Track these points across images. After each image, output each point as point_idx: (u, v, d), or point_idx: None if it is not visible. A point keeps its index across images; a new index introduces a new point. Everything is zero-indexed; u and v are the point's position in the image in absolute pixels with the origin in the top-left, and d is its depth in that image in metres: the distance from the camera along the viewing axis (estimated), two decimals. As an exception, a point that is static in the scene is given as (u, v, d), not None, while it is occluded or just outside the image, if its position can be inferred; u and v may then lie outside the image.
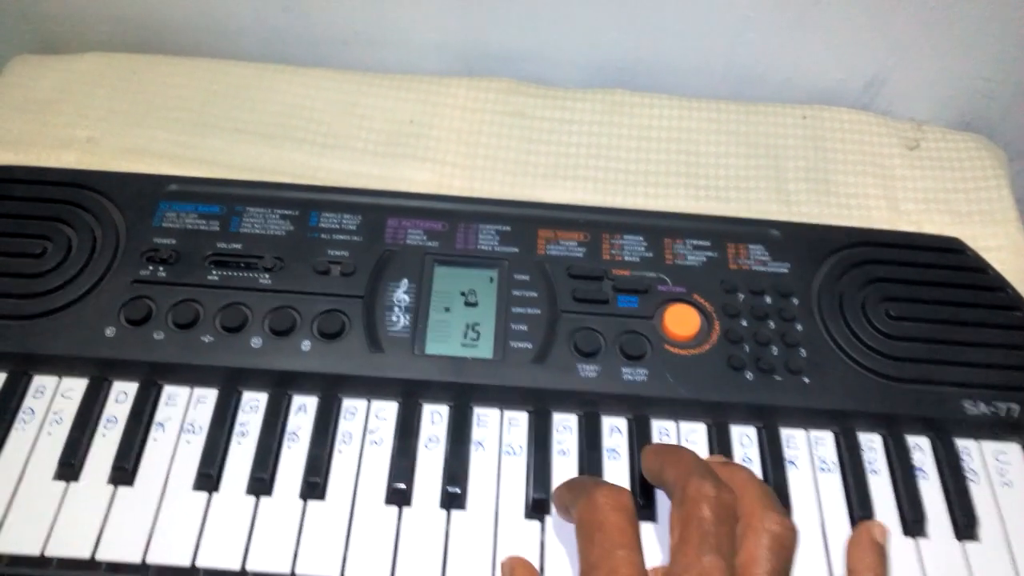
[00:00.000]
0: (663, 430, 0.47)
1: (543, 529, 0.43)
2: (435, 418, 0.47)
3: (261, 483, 0.44)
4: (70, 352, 0.46)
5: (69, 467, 0.43)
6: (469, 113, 0.64)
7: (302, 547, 0.42)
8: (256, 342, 0.47)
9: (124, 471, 0.44)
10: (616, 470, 0.45)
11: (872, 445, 0.47)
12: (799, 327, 0.49)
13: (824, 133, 0.64)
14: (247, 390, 0.47)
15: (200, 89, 0.64)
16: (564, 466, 0.45)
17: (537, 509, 0.44)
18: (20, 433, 0.45)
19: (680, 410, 0.47)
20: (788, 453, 0.47)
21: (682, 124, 0.64)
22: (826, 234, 0.54)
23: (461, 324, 0.48)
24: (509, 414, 0.47)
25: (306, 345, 0.47)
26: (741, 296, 0.50)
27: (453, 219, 0.52)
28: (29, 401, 0.46)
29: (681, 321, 0.48)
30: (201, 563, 0.41)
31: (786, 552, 0.36)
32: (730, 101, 0.66)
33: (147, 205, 0.52)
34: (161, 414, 0.46)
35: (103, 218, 0.51)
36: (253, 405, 0.47)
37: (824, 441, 0.47)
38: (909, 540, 0.44)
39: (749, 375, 0.47)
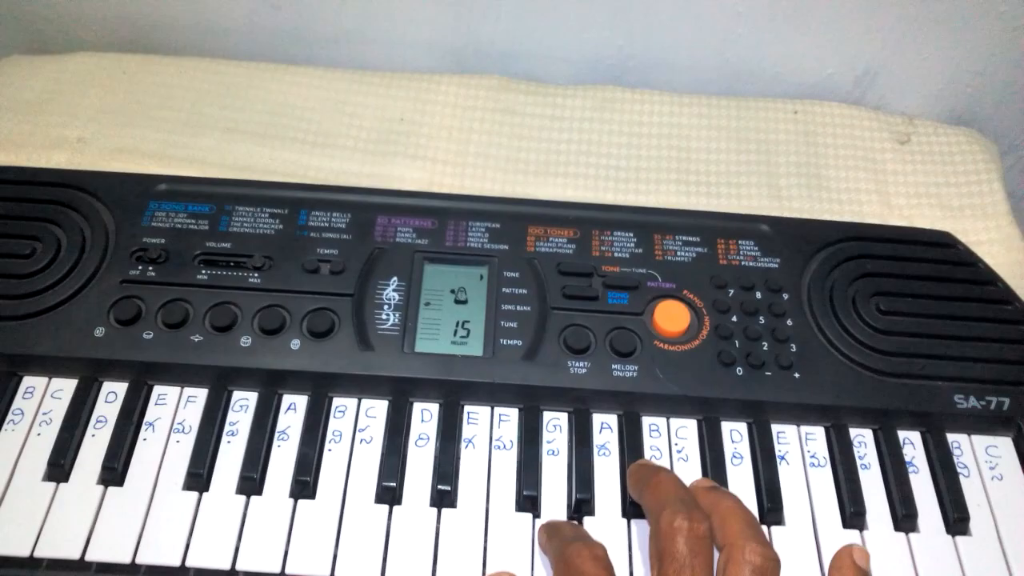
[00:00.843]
0: (653, 426, 0.47)
1: (533, 525, 0.43)
2: (425, 416, 0.47)
3: (251, 482, 0.44)
4: (59, 352, 0.46)
5: (59, 468, 0.43)
6: (459, 111, 0.64)
7: (292, 546, 0.42)
8: (246, 341, 0.47)
9: (114, 471, 0.43)
10: (606, 467, 0.45)
11: (863, 440, 0.47)
12: (789, 322, 0.49)
13: (815, 128, 0.64)
14: (237, 389, 0.47)
15: (190, 88, 0.64)
16: (554, 464, 0.45)
17: (527, 506, 0.44)
18: (9, 434, 0.45)
19: (670, 406, 0.47)
20: (779, 448, 0.47)
21: (673, 120, 0.64)
22: (816, 229, 0.54)
23: (451, 322, 0.48)
24: (499, 411, 0.47)
25: (296, 344, 0.47)
26: (731, 291, 0.50)
27: (443, 217, 0.52)
28: (18, 402, 0.46)
29: (671, 317, 0.48)
30: (191, 563, 0.41)
31: None
32: (721, 96, 0.66)
33: (136, 205, 0.52)
34: (151, 414, 0.46)
35: (92, 218, 0.51)
36: (243, 404, 0.46)
37: (815, 436, 0.47)
38: (900, 535, 0.44)
39: (739, 370, 0.47)
